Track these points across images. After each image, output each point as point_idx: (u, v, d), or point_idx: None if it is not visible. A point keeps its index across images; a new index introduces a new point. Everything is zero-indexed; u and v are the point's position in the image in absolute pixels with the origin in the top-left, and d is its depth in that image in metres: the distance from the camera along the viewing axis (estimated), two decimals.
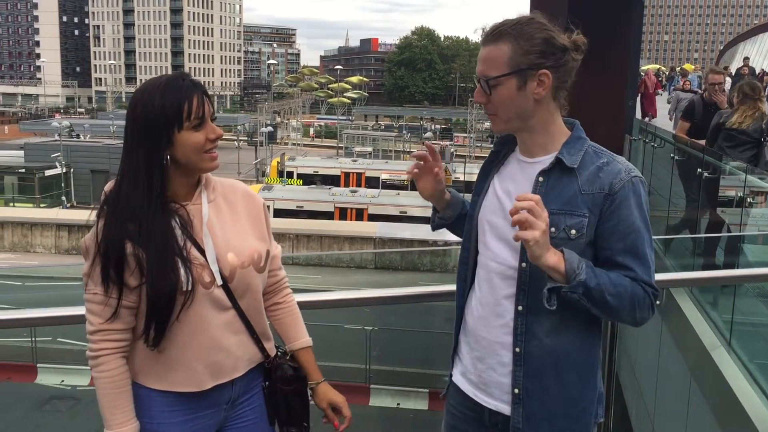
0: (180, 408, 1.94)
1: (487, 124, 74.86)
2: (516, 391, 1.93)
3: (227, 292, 1.93)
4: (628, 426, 7.14)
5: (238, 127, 74.35)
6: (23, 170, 40.53)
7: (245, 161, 55.91)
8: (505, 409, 1.96)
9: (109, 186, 1.91)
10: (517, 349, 1.92)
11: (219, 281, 1.90)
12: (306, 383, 2.11)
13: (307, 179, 42.87)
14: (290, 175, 44.11)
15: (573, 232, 1.83)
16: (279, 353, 2.12)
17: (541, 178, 1.89)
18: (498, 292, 1.94)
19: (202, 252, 1.90)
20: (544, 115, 1.89)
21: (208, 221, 1.93)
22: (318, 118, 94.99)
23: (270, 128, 60.14)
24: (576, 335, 1.92)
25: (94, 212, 1.88)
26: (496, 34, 1.86)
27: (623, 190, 1.83)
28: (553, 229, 1.82)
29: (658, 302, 2.36)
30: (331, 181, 42.20)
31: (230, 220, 2.00)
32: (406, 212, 34.50)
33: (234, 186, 2.09)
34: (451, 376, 2.16)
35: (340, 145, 69.03)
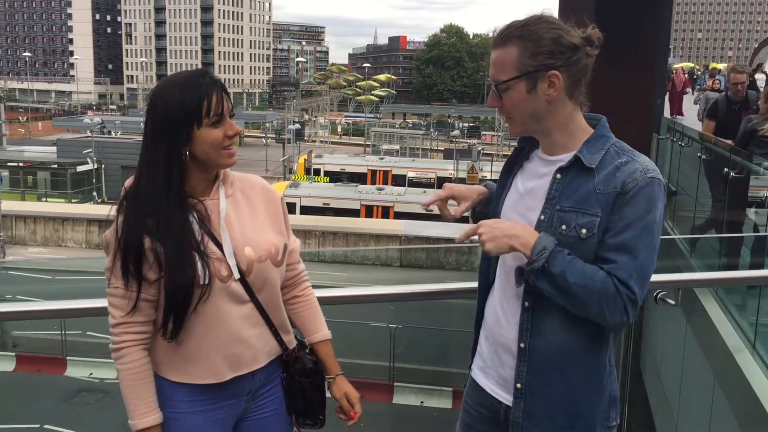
0: (200, 399, 1.97)
1: None
2: (518, 386, 1.93)
3: (245, 285, 1.96)
4: (652, 429, 7.05)
5: (266, 125, 74.90)
6: (56, 166, 41.20)
7: (273, 158, 56.27)
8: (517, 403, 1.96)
9: (129, 182, 1.95)
10: (522, 345, 1.91)
11: (236, 275, 1.93)
12: (323, 377, 2.12)
13: (334, 177, 43.00)
14: (317, 172, 44.28)
15: (584, 231, 1.81)
16: (298, 346, 2.14)
17: (558, 175, 1.87)
18: (512, 287, 1.94)
19: (220, 246, 1.93)
20: (560, 115, 1.86)
21: (226, 216, 1.96)
22: (346, 116, 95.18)
23: (297, 126, 60.49)
24: (584, 334, 1.88)
25: (115, 207, 1.92)
26: (504, 37, 1.84)
27: (635, 189, 1.78)
28: (563, 227, 1.81)
29: (673, 302, 2.34)
30: (358, 178, 42.24)
31: (248, 214, 2.02)
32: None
33: (252, 181, 2.11)
34: (470, 371, 2.17)
35: (367, 143, 69.10)
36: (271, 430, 2.11)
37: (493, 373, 2.03)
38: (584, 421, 1.93)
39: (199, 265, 1.87)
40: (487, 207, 2.17)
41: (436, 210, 2.25)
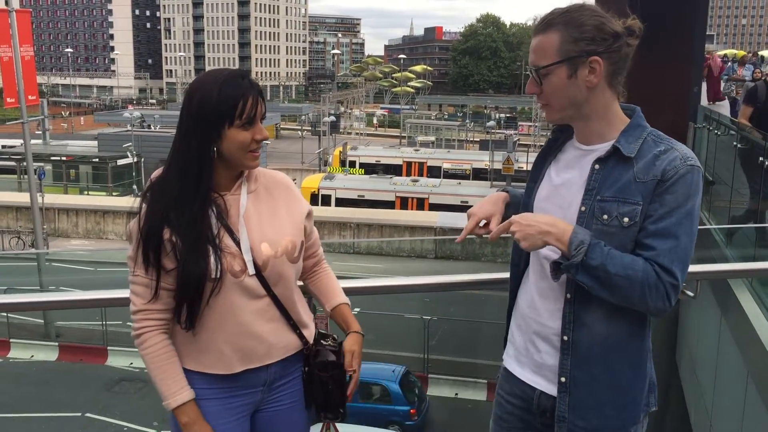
0: (215, 387, 2.02)
1: None
2: (563, 379, 1.93)
3: (261, 280, 1.98)
4: (686, 422, 6.96)
5: (302, 117, 75.23)
6: (97, 160, 41.92)
7: (308, 151, 56.55)
8: (552, 389, 1.97)
9: (156, 173, 1.99)
10: (565, 338, 1.91)
11: (251, 270, 1.96)
12: (344, 370, 2.11)
13: (369, 168, 43.02)
14: (352, 164, 44.34)
15: (626, 220, 1.81)
16: (319, 337, 2.16)
17: (597, 166, 1.87)
18: (547, 277, 1.94)
19: (237, 241, 1.96)
20: (599, 102, 1.87)
21: (246, 212, 1.99)
22: (381, 108, 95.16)
23: (333, 118, 60.65)
24: (627, 322, 1.89)
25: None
26: (546, 23, 1.86)
27: (675, 176, 1.79)
28: (605, 217, 1.83)
29: (692, 294, 2.30)
30: (393, 170, 42.19)
31: (268, 210, 2.05)
32: (467, 202, 34.24)
33: (276, 177, 2.15)
34: (503, 361, 2.18)
35: (403, 135, 69.02)
36: (288, 421, 2.14)
37: (526, 360, 2.04)
38: (631, 409, 1.94)
39: (212, 258, 1.90)
40: (517, 209, 2.15)
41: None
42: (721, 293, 5.63)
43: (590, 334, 1.88)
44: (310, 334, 2.13)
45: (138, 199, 1.97)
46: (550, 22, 1.85)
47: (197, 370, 2.01)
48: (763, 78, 8.40)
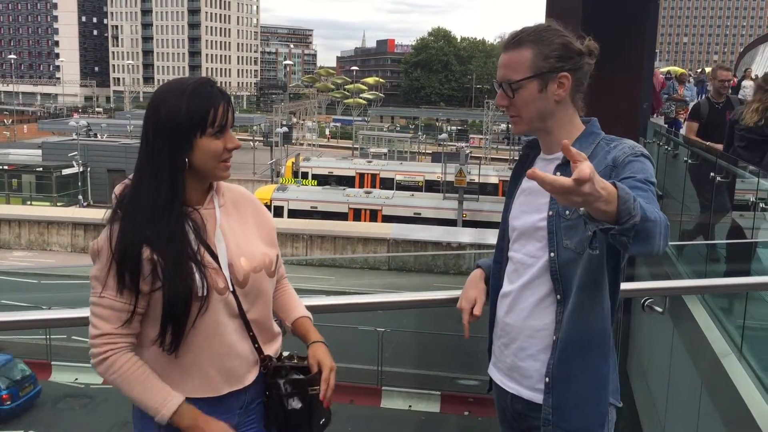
0: None
1: (503, 126, 74.58)
2: (547, 380, 1.99)
3: (236, 298, 1.92)
4: None
5: (254, 128, 74.67)
6: (41, 169, 40.90)
7: (260, 161, 56.09)
8: (524, 393, 2.04)
9: (120, 188, 1.90)
10: (554, 337, 1.98)
11: (231, 287, 1.90)
12: (307, 389, 2.02)
13: (322, 180, 42.90)
14: (305, 175, 44.16)
15: (583, 209, 1.82)
16: (278, 357, 2.09)
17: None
18: (521, 280, 2.04)
19: (215, 257, 1.89)
20: (563, 115, 2.01)
21: (221, 226, 1.94)
22: (334, 119, 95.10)
23: (285, 129, 60.34)
24: (595, 316, 1.96)
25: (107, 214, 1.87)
26: (517, 40, 1.98)
27: (626, 159, 1.88)
28: (567, 212, 1.92)
29: (660, 309, 2.33)
30: (346, 182, 42.16)
31: (239, 225, 2.00)
32: (420, 214, 34.44)
33: (242, 192, 2.10)
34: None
35: (355, 146, 69.06)
36: None
37: (501, 365, 2.13)
38: (606, 402, 2.01)
39: (197, 276, 1.83)
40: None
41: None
42: (674, 306, 5.74)
43: (566, 330, 1.95)
44: (275, 350, 2.07)
45: (107, 217, 1.86)
46: (521, 39, 1.97)
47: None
48: (705, 96, 8.64)
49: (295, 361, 2.09)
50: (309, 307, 2.26)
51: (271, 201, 35.98)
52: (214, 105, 1.84)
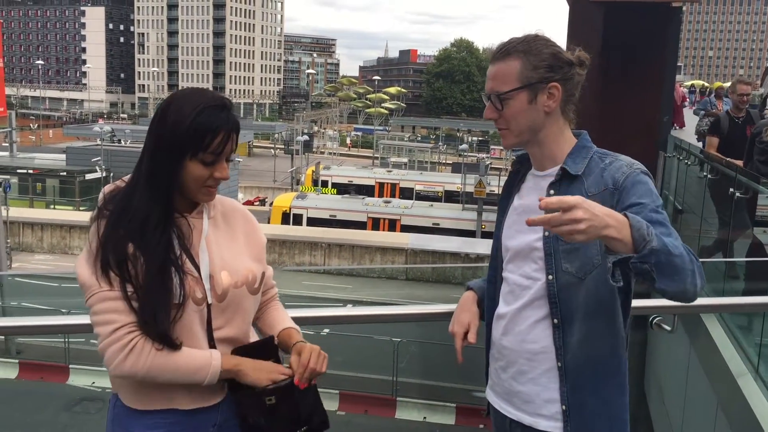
0: (163, 430, 1.85)
1: None
2: (564, 408, 1.92)
3: (210, 311, 1.84)
4: None
5: (276, 136, 75.13)
6: (64, 173, 41.37)
7: (281, 169, 56.40)
8: (524, 418, 1.97)
9: (110, 188, 1.86)
10: (559, 364, 1.91)
11: (209, 299, 1.84)
12: (264, 400, 1.84)
13: (342, 188, 42.98)
14: (325, 184, 44.30)
15: None
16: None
17: (552, 191, 1.91)
18: (516, 302, 1.97)
19: (197, 266, 1.84)
20: (553, 127, 1.94)
21: (207, 237, 1.89)
22: (355, 128, 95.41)
23: (306, 137, 60.62)
24: (608, 343, 1.91)
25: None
26: (505, 51, 1.92)
27: (626, 181, 1.83)
28: None
29: (669, 328, 2.28)
30: (366, 191, 42.18)
31: (227, 238, 1.95)
32: (438, 224, 34.34)
33: (233, 205, 2.04)
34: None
35: (375, 155, 69.18)
36: None
37: (498, 389, 2.06)
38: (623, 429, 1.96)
39: (175, 282, 1.77)
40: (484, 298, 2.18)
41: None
42: (690, 324, 5.65)
43: (575, 358, 1.89)
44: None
45: (93, 215, 1.82)
46: (509, 50, 1.91)
47: (142, 409, 1.84)
48: (726, 110, 8.48)
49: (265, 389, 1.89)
50: (321, 318, 2.24)
51: (290, 209, 36.12)
52: (214, 131, 1.78)
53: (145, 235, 1.77)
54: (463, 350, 2.08)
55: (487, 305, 2.13)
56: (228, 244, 1.94)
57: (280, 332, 2.02)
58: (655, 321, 2.28)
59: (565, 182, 1.90)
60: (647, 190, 1.81)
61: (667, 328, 2.25)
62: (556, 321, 1.90)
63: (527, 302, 1.95)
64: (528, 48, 1.90)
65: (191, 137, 1.77)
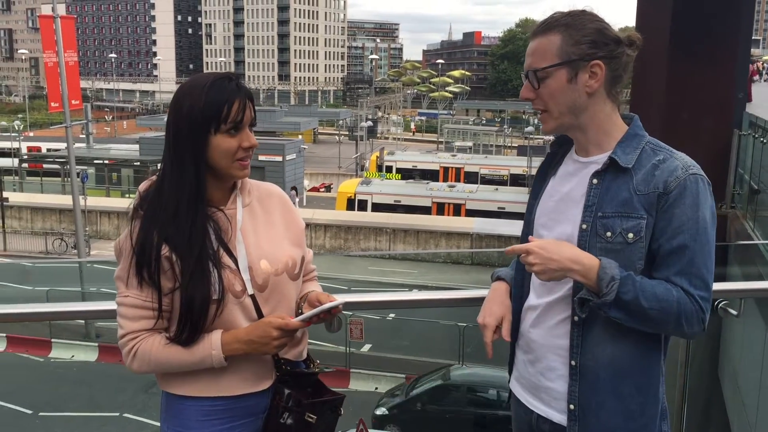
0: (214, 417, 1.88)
1: None
2: (572, 407, 1.83)
3: (255, 301, 1.86)
4: None
5: (340, 122, 75.63)
6: (138, 163, 42.65)
7: (346, 155, 56.78)
8: (554, 415, 1.88)
9: (145, 185, 1.87)
10: (573, 363, 1.82)
11: (250, 290, 1.85)
12: (305, 413, 1.87)
13: (406, 174, 42.97)
14: (389, 169, 44.34)
15: (630, 235, 1.73)
16: (305, 361, 2.01)
17: (595, 180, 1.79)
18: (549, 296, 1.87)
19: (235, 259, 1.84)
20: (597, 110, 1.79)
21: (242, 227, 1.88)
22: (419, 113, 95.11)
23: (370, 123, 60.78)
24: (633, 345, 1.80)
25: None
26: (546, 25, 1.80)
27: (678, 188, 1.71)
28: (609, 234, 1.74)
29: (735, 312, 2.20)
30: (430, 175, 42.02)
31: (265, 225, 1.94)
32: (504, 208, 33.96)
33: (270, 190, 2.02)
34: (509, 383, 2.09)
35: (440, 140, 68.86)
36: None
37: (525, 382, 1.97)
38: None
39: (214, 278, 1.78)
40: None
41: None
42: (765, 307, 5.45)
43: (595, 358, 1.79)
44: (296, 354, 1.98)
45: (129, 214, 1.83)
46: (551, 24, 1.78)
47: (192, 395, 1.87)
48: None
49: (316, 370, 2.00)
50: (386, 303, 2.21)
51: (355, 195, 36.34)
52: (229, 101, 1.78)
53: (178, 230, 1.77)
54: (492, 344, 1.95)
55: (514, 294, 2.02)
56: (266, 231, 1.93)
57: (305, 296, 2.00)
58: (720, 305, 2.20)
59: (610, 173, 1.77)
60: (693, 203, 1.71)
61: (734, 312, 2.17)
62: (576, 319, 1.80)
63: (560, 298, 1.84)
64: (571, 22, 1.76)
65: (209, 112, 1.77)
